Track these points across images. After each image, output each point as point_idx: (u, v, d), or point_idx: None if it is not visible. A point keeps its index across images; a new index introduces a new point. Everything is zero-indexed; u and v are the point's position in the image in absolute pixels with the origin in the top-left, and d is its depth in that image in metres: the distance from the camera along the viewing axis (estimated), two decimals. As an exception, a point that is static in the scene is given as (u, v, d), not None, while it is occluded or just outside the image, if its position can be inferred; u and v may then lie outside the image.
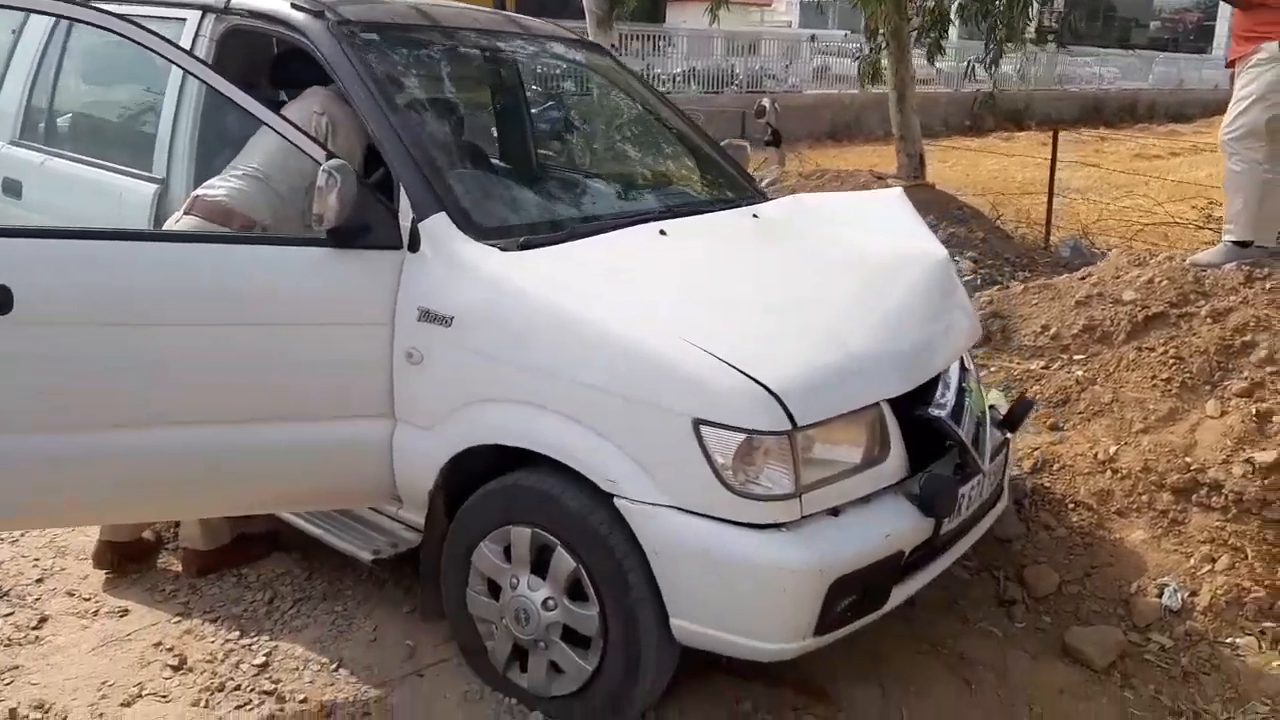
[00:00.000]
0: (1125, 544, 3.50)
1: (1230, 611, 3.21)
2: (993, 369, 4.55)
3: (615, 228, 2.96)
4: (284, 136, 2.72)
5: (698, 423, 2.34)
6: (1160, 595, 3.28)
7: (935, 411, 2.62)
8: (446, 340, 2.65)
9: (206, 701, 2.80)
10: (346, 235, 2.66)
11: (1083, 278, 4.84)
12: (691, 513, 2.38)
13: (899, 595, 2.63)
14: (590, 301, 2.52)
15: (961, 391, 2.77)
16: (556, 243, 2.77)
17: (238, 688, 2.85)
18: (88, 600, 3.28)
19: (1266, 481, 3.50)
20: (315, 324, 2.75)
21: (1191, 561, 3.38)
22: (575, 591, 2.60)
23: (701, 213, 3.32)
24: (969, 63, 9.69)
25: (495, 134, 3.71)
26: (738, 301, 2.67)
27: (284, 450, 2.82)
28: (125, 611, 3.22)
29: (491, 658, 2.80)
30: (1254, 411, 3.73)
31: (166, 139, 3.38)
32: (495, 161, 3.41)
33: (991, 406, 3.15)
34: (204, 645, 3.04)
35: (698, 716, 2.75)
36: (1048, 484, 3.79)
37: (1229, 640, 3.14)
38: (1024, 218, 9.34)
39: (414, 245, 2.71)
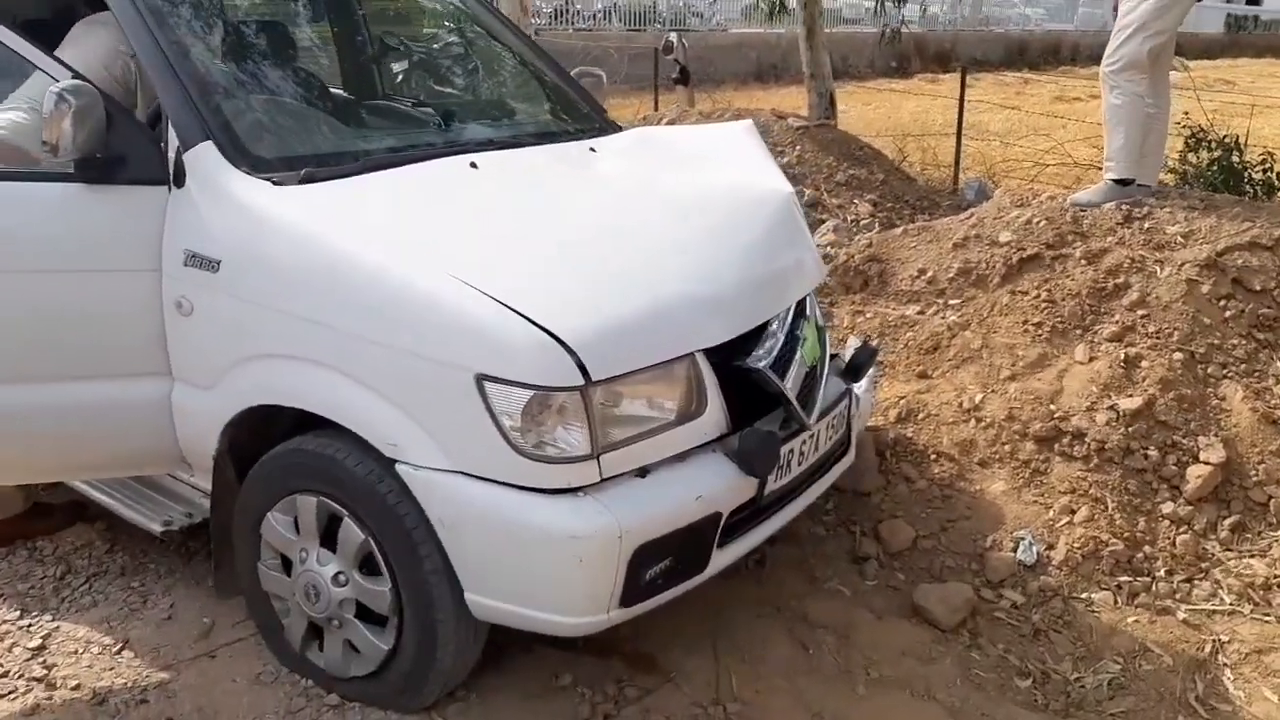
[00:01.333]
0: (985, 496, 3.37)
1: (1086, 565, 3.09)
2: (868, 315, 4.37)
3: (421, 159, 2.68)
4: (25, 58, 2.39)
5: (481, 378, 2.10)
6: (1015, 549, 3.15)
7: (754, 362, 2.41)
8: (215, 287, 2.37)
9: (-34, 692, 2.53)
10: (98, 169, 2.35)
11: (964, 219, 4.68)
12: (479, 478, 2.15)
13: (722, 559, 2.43)
14: (366, 241, 2.25)
15: (792, 339, 2.57)
16: (344, 176, 2.48)
17: (5, 674, 2.58)
18: None
19: (1130, 429, 3.39)
20: (71, 270, 2.45)
21: (1051, 513, 3.26)
22: (368, 565, 2.36)
23: (531, 145, 3.04)
24: (878, 1, 9.44)
25: (317, 61, 3.36)
26: (541, 242, 2.41)
27: (53, 413, 2.54)
28: (-106, 591, 2.92)
29: (288, 636, 2.57)
30: (1122, 357, 3.61)
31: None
32: (317, 90, 3.06)
33: (834, 355, 2.97)
34: (-24, 628, 2.76)
35: (510, 694, 2.55)
36: (911, 434, 3.64)
37: (1084, 595, 3.02)
38: (932, 159, 9.19)
39: (179, 179, 2.41)
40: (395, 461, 2.21)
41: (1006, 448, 3.49)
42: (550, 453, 2.13)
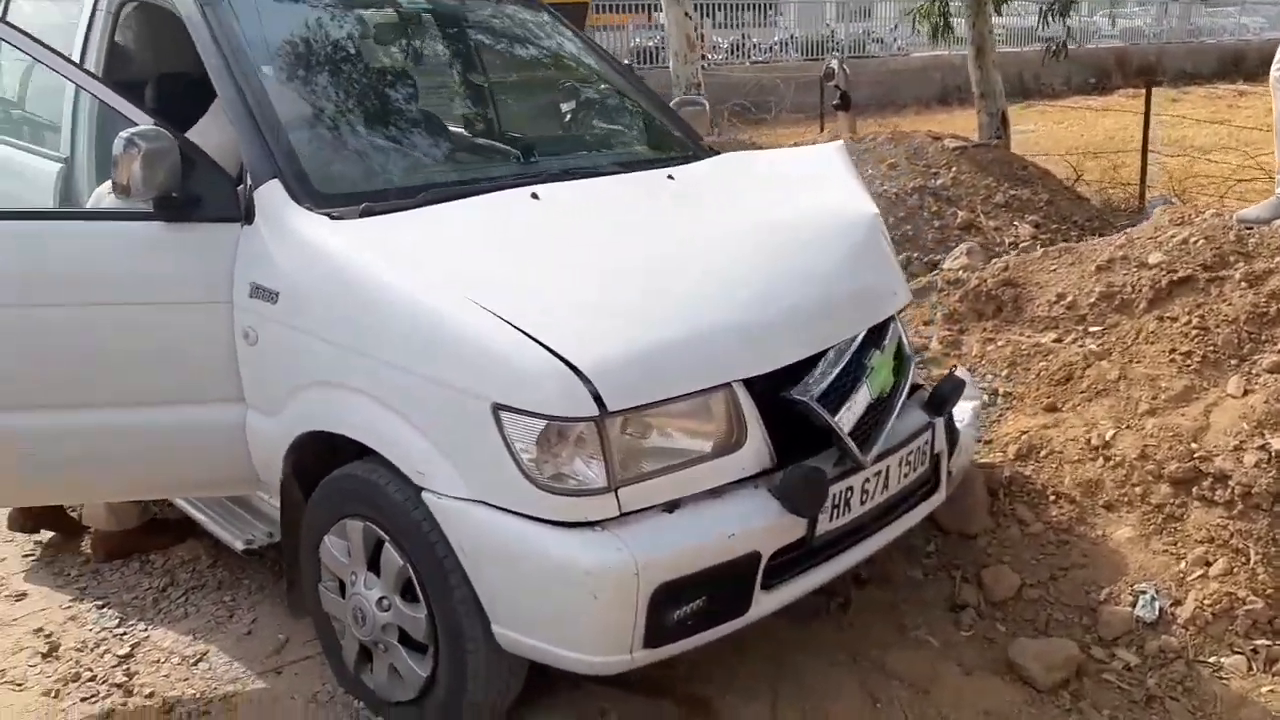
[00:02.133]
0: (1107, 542, 3.04)
1: (1218, 625, 2.74)
2: (1000, 343, 4.07)
3: (484, 191, 2.69)
4: (106, 103, 2.58)
5: (497, 407, 2.06)
6: (1135, 604, 2.82)
7: (801, 393, 2.26)
8: (274, 317, 2.45)
9: (58, 692, 2.70)
10: (176, 207, 2.49)
11: (1113, 240, 4.29)
12: (498, 508, 2.11)
13: (770, 602, 2.28)
14: (401, 271, 2.27)
15: (857, 369, 2.39)
16: (402, 209, 2.51)
17: (93, 678, 2.75)
18: (-8, 583, 3.25)
19: (1284, 472, 2.98)
20: (156, 303, 2.58)
21: (1182, 565, 2.90)
22: (408, 591, 2.37)
23: (607, 174, 3.01)
24: (1041, 9, 8.90)
25: (400, 95, 3.44)
26: (585, 271, 2.35)
27: (142, 436, 2.68)
28: (24, 595, 3.17)
29: (345, 657, 2.61)
30: (1281, 390, 3.18)
31: (69, 119, 3.32)
32: (392, 125, 3.12)
33: (917, 386, 2.76)
34: (81, 633, 2.96)
35: (549, 731, 2.49)
36: (1030, 473, 3.34)
37: (1211, 659, 2.67)
38: (1115, 178, 8.55)
39: (250, 216, 2.52)
40: (422, 489, 2.21)
41: (1137, 490, 3.14)
42: (568, 484, 2.07)
